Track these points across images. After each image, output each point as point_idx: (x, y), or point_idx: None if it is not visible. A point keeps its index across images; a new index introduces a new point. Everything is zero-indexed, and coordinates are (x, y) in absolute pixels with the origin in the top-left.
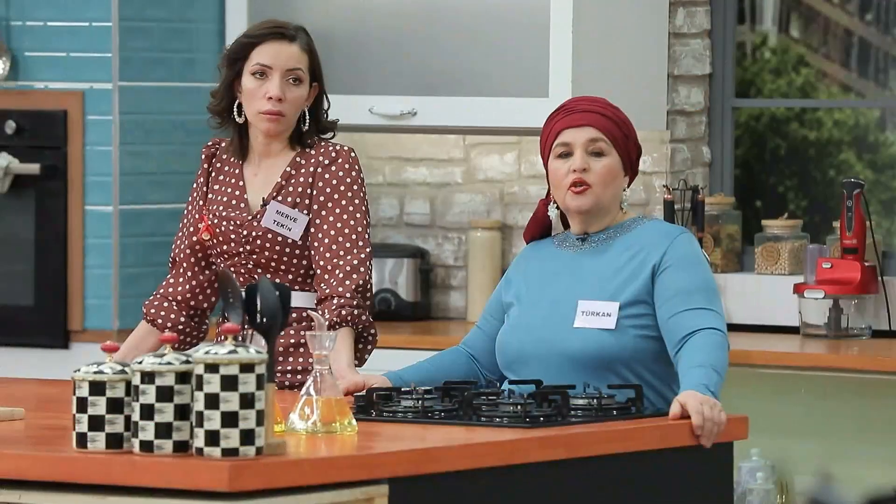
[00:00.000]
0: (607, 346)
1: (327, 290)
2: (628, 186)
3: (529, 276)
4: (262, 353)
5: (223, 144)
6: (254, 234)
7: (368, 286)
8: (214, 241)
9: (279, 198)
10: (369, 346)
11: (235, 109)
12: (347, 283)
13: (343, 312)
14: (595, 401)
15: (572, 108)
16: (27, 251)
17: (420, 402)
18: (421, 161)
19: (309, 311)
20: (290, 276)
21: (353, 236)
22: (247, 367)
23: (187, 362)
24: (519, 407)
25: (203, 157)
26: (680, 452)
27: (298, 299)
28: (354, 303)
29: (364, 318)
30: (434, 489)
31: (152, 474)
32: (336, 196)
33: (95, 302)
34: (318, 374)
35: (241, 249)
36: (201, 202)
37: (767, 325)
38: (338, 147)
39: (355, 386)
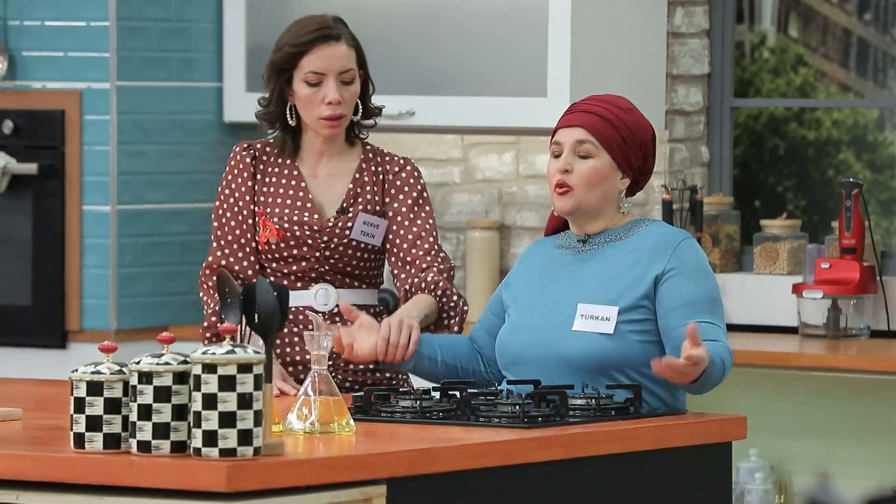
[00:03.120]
0: (606, 350)
1: (415, 279)
2: (638, 189)
3: (531, 276)
4: (259, 354)
5: (259, 146)
6: (335, 240)
7: (453, 273)
8: (283, 244)
9: (360, 206)
10: (454, 321)
11: (289, 113)
12: (435, 269)
13: (429, 279)
14: (593, 401)
15: (574, 108)
16: (25, 251)
17: (418, 402)
18: (419, 161)
19: (308, 311)
20: (358, 274)
21: (431, 239)
22: (245, 368)
23: (185, 362)
24: (517, 407)
25: (239, 158)
26: (678, 452)
27: (362, 296)
28: (445, 276)
29: (450, 292)
30: (432, 489)
31: (150, 474)
32: (409, 202)
33: (93, 302)
34: (315, 374)
35: (317, 254)
36: (254, 207)
37: (766, 326)
38: (400, 157)
39: (398, 324)
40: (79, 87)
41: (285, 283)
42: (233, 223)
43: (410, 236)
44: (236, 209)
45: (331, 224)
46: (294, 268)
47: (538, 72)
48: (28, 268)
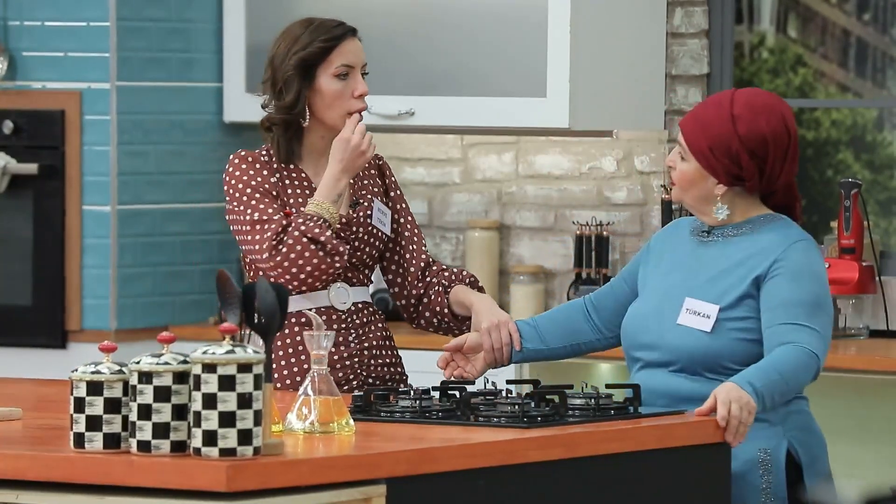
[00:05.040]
0: (704, 346)
1: (434, 269)
2: (768, 192)
3: (663, 259)
4: (259, 354)
5: (256, 154)
6: (361, 231)
7: None
8: None
9: (368, 195)
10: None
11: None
12: (437, 262)
13: (455, 270)
14: (592, 400)
15: (697, 106)
16: (25, 251)
17: (417, 402)
18: (419, 161)
19: (307, 312)
20: (371, 267)
21: (417, 228)
22: (244, 368)
23: (185, 362)
24: (517, 406)
25: (252, 160)
26: (677, 452)
27: (366, 293)
28: (452, 268)
29: (467, 272)
30: (432, 489)
31: (150, 474)
32: (400, 193)
33: (93, 302)
34: (315, 374)
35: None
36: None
37: None
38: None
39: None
40: (79, 87)
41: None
42: (274, 205)
43: (417, 231)
44: (274, 194)
45: (354, 217)
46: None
47: (538, 72)
48: (28, 268)
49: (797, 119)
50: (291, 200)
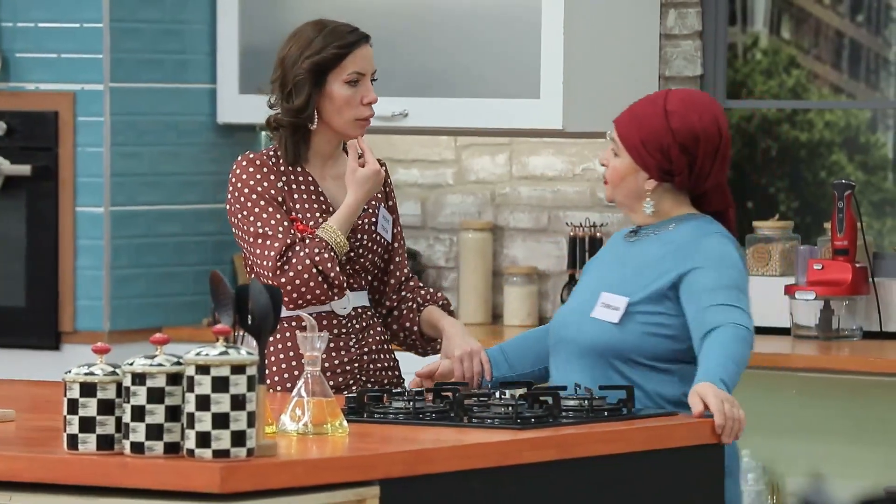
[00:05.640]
0: (610, 339)
1: (411, 285)
2: (697, 191)
3: (598, 260)
4: (253, 355)
5: (263, 157)
6: (366, 237)
7: None
8: None
9: (373, 201)
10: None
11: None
12: (415, 278)
13: (431, 290)
14: (586, 402)
15: (632, 105)
16: (18, 252)
17: (411, 403)
18: (412, 162)
19: (301, 313)
20: (369, 277)
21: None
22: (238, 369)
23: (178, 364)
24: (510, 408)
25: (259, 164)
26: (671, 454)
27: (365, 298)
28: (428, 287)
29: (441, 294)
30: (425, 490)
31: (143, 476)
32: (395, 200)
33: (87, 303)
34: (308, 375)
35: (351, 254)
36: (291, 214)
37: (758, 327)
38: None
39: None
40: (72, 88)
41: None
42: (278, 215)
43: (403, 243)
44: (280, 200)
45: (359, 224)
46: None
47: (531, 73)
48: (22, 269)
49: (791, 120)
50: (297, 206)
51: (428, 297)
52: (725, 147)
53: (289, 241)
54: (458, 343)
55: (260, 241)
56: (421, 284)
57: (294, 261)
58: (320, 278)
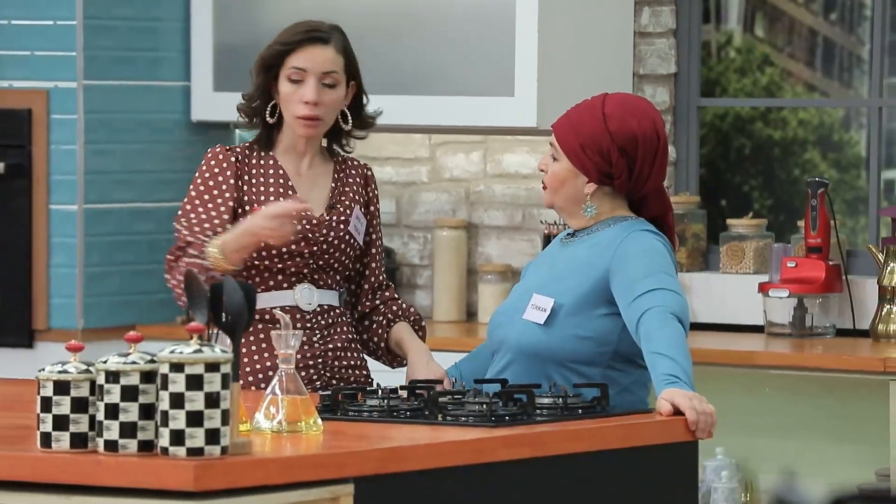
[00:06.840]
0: (538, 340)
1: (387, 295)
2: (639, 195)
3: (536, 264)
4: (227, 353)
5: (238, 149)
6: (332, 235)
7: None
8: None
9: (348, 203)
10: (423, 336)
11: (269, 110)
12: (390, 288)
13: (404, 306)
14: (560, 400)
15: (569, 110)
16: None
17: (385, 401)
18: (387, 160)
19: (275, 311)
20: (339, 277)
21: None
22: (212, 367)
23: (152, 362)
24: (484, 406)
25: (222, 157)
26: (645, 451)
27: (335, 297)
28: (401, 301)
29: (414, 309)
30: (400, 488)
31: (117, 474)
32: (378, 208)
33: (60, 301)
34: (283, 373)
35: (314, 248)
36: (235, 206)
37: (732, 324)
38: (364, 162)
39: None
40: (46, 86)
41: (271, 282)
42: (209, 205)
43: (381, 250)
44: (219, 201)
45: (326, 219)
46: (280, 266)
47: (505, 71)
48: None
49: (764, 118)
50: (263, 198)
51: (399, 312)
52: (663, 152)
53: (190, 240)
54: (420, 370)
55: (184, 220)
56: (396, 296)
57: (180, 264)
58: (179, 289)
